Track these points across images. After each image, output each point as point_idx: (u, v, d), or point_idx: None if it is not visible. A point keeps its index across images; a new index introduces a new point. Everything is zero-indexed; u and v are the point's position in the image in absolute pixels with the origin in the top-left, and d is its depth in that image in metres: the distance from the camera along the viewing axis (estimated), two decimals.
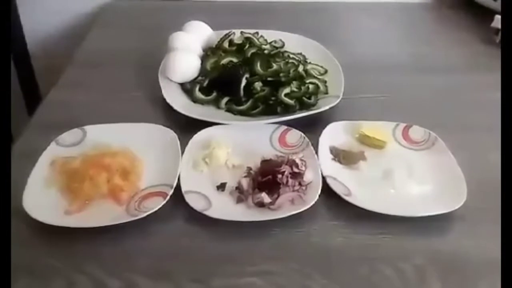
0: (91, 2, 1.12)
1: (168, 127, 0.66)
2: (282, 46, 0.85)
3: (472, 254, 0.53)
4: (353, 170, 0.63)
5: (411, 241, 0.55)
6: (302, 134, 0.67)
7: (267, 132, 0.68)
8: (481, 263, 0.52)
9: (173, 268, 0.51)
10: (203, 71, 0.77)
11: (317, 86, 0.76)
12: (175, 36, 0.80)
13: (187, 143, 0.64)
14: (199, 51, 0.81)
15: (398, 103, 0.77)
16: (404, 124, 0.69)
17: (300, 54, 0.83)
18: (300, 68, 0.78)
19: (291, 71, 0.76)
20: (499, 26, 0.93)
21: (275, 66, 0.76)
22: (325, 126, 0.68)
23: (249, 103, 0.72)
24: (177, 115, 0.69)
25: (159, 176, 0.60)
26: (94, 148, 0.63)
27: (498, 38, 0.94)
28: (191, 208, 0.55)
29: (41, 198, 0.56)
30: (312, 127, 0.68)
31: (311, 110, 0.71)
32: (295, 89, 0.73)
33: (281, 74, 0.74)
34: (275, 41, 0.85)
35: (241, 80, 0.73)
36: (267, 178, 0.59)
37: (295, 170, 0.59)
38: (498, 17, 0.93)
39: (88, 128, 0.66)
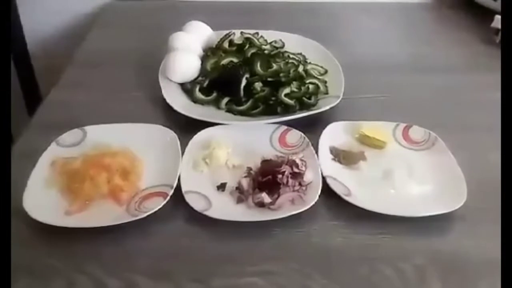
0: (91, 2, 1.12)
1: (168, 127, 0.66)
2: (282, 46, 0.85)
3: (472, 254, 0.53)
4: (353, 170, 0.63)
5: (411, 241, 0.55)
6: (302, 134, 0.67)
7: (267, 132, 0.68)
8: (481, 263, 0.52)
9: (173, 268, 0.51)
10: (203, 71, 0.77)
11: (317, 86, 0.76)
12: (175, 36, 0.80)
13: (187, 143, 0.64)
14: (199, 51, 0.81)
15: (398, 103, 0.77)
16: (404, 124, 0.69)
17: (300, 54, 0.83)
18: (300, 68, 0.78)
19: (291, 71, 0.76)
20: (499, 26, 0.93)
21: (275, 66, 0.76)
22: (325, 126, 0.68)
23: (249, 103, 0.72)
24: (177, 115, 0.69)
25: (159, 176, 0.60)
26: (94, 148, 0.63)
27: (498, 38, 0.94)
28: (191, 208, 0.55)
29: (42, 198, 0.56)
30: (312, 127, 0.68)
31: (311, 110, 0.71)
32: (295, 89, 0.73)
33: (281, 74, 0.74)
34: (275, 41, 0.85)
35: (241, 80, 0.73)
36: (267, 178, 0.59)
37: (295, 170, 0.59)
38: (498, 17, 0.93)
39: (88, 128, 0.66)
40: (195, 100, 0.74)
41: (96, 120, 0.68)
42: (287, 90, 0.72)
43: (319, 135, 0.66)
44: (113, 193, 0.57)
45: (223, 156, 0.63)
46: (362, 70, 0.83)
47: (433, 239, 0.55)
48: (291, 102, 0.71)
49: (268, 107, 0.72)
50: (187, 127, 0.67)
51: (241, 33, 0.84)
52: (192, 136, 0.66)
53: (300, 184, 0.59)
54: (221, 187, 0.60)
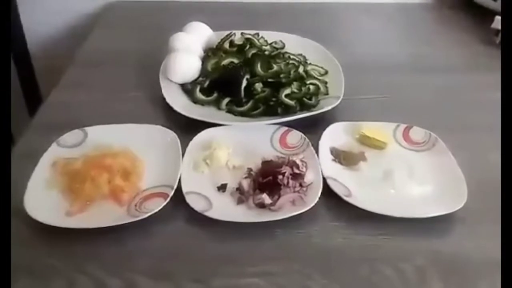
0: (92, 2, 1.12)
1: (168, 127, 0.66)
2: (283, 47, 0.85)
3: (472, 254, 0.53)
4: (354, 171, 0.63)
5: (412, 241, 0.55)
6: (303, 135, 0.67)
7: (267, 133, 0.68)
8: (482, 264, 0.52)
9: (173, 268, 0.51)
10: (203, 72, 0.77)
11: (317, 87, 0.76)
12: (176, 37, 0.80)
13: (187, 144, 0.64)
14: (199, 52, 0.81)
15: (398, 103, 0.77)
16: (405, 125, 0.69)
17: (301, 55, 0.83)
18: (301, 69, 0.78)
19: (292, 72, 0.76)
20: (499, 27, 0.93)
21: (275, 67, 0.76)
22: (326, 127, 0.68)
23: (249, 104, 0.73)
24: (177, 115, 0.69)
25: (160, 177, 0.60)
26: (95, 149, 0.63)
27: (498, 39, 0.94)
28: (192, 209, 0.55)
29: (42, 199, 0.56)
30: (312, 128, 0.68)
31: (312, 111, 0.71)
32: (295, 90, 0.73)
33: (282, 75, 0.75)
34: (275, 42, 0.85)
35: (242, 81, 0.73)
36: (268, 179, 0.59)
37: (296, 171, 0.59)
38: (498, 18, 0.94)
39: (89, 129, 0.67)
40: (196, 101, 0.74)
41: (97, 120, 0.68)
42: (287, 91, 0.72)
43: (320, 136, 0.66)
44: (113, 193, 0.57)
45: (224, 157, 0.63)
46: (362, 70, 0.83)
47: (433, 240, 0.55)
48: (291, 102, 0.71)
49: (269, 107, 0.72)
50: (187, 128, 0.67)
51: (242, 33, 0.84)
52: (193, 137, 0.66)
53: (300, 185, 0.59)
54: (222, 188, 0.60)
